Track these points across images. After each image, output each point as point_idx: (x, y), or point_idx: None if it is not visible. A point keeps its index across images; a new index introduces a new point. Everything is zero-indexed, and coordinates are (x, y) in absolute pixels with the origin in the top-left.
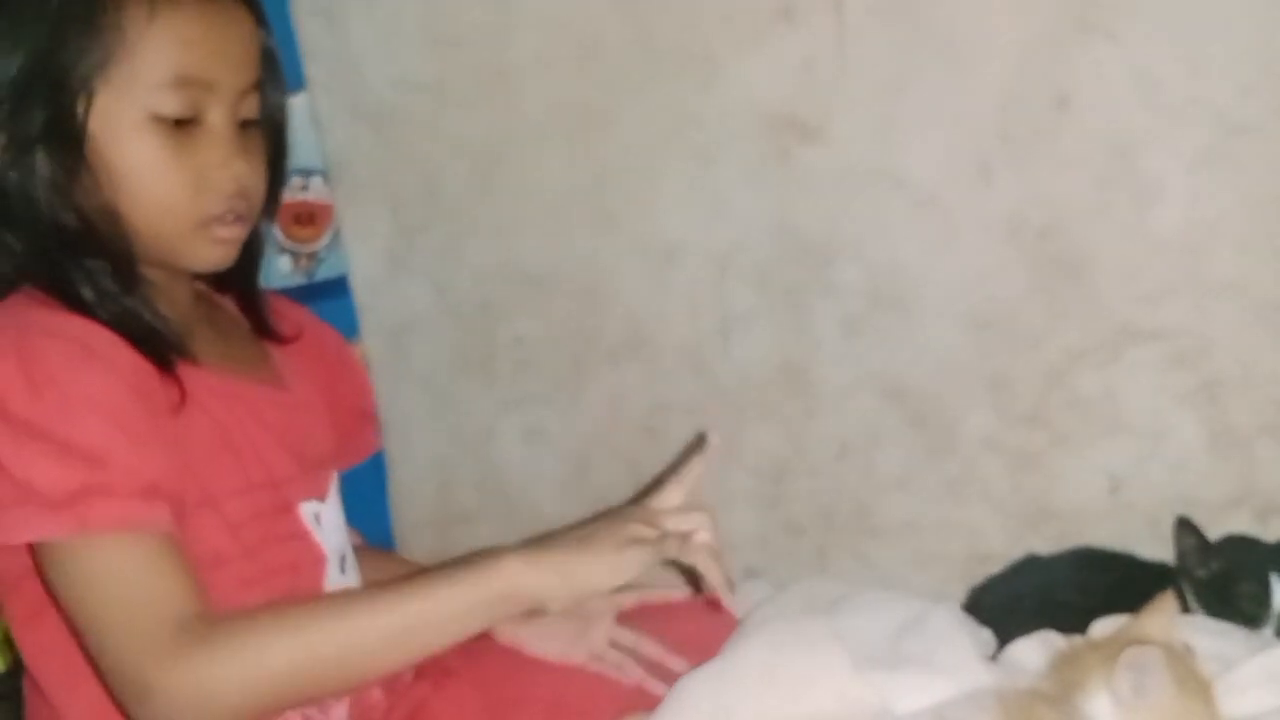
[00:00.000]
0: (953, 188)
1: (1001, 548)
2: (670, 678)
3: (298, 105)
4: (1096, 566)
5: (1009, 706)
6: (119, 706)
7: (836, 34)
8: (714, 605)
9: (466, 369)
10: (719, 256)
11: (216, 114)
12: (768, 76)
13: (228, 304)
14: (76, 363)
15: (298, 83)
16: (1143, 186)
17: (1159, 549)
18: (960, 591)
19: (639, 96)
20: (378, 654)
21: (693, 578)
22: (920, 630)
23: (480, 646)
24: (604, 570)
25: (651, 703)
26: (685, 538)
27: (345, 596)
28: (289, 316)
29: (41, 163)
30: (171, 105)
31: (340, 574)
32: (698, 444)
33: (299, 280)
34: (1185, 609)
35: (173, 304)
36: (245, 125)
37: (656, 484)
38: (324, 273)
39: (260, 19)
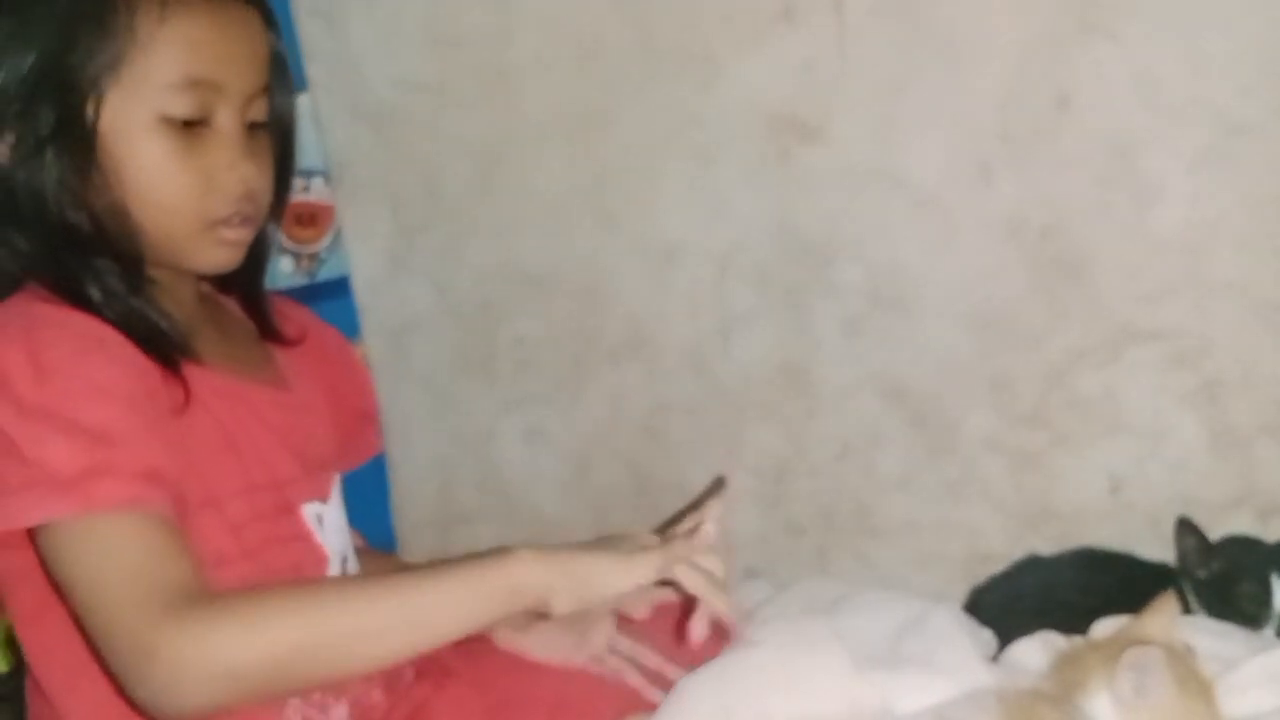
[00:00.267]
0: (953, 188)
1: (1002, 548)
2: (669, 686)
3: (298, 106)
4: (1097, 567)
5: (1009, 706)
6: (120, 685)
7: (836, 34)
8: (721, 631)
9: (467, 369)
10: (719, 256)
11: (225, 116)
12: (768, 77)
13: (231, 305)
14: (84, 352)
15: (298, 83)
16: (1143, 186)
17: (1159, 549)
18: (961, 591)
19: (639, 96)
20: (382, 638)
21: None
22: (921, 630)
23: (481, 648)
24: (613, 575)
25: (652, 705)
26: (693, 551)
27: (353, 580)
28: (292, 318)
29: (51, 162)
30: (181, 106)
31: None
32: (717, 486)
33: (300, 281)
34: (1186, 609)
35: (177, 304)
36: (253, 128)
37: (674, 522)
38: (325, 273)
39: (270, 22)
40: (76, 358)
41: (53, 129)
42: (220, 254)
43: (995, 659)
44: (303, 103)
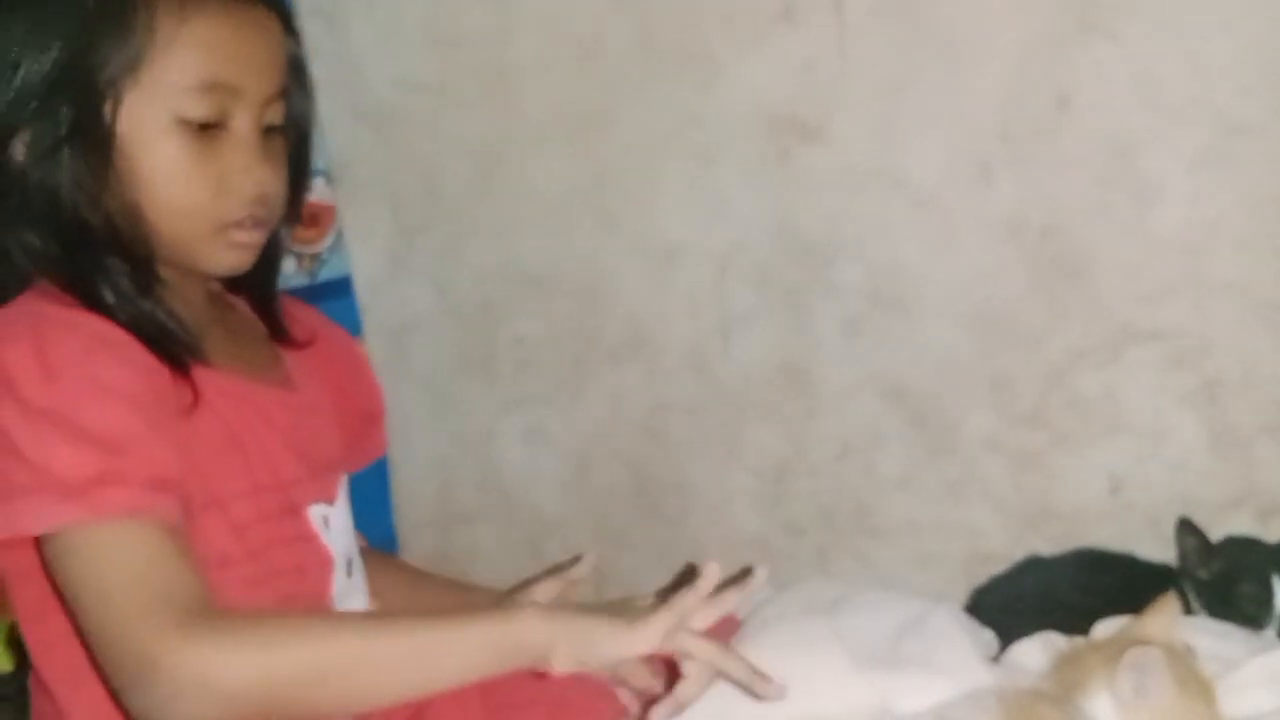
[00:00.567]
0: (953, 188)
1: (1002, 548)
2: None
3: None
4: (1098, 567)
5: (1010, 707)
6: (116, 694)
7: (836, 34)
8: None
9: (467, 369)
10: (719, 256)
11: (241, 119)
12: (768, 77)
13: (240, 305)
14: (92, 353)
15: None
16: (1143, 186)
17: (1160, 549)
18: (961, 592)
19: (639, 97)
20: (382, 678)
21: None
22: (921, 630)
23: None
24: (616, 639)
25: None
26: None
27: (361, 616)
28: (302, 320)
29: (67, 161)
30: (198, 109)
31: (347, 577)
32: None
33: (302, 281)
34: (1187, 610)
35: (186, 304)
36: (269, 131)
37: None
38: (326, 273)
39: (289, 27)
40: (84, 358)
41: (70, 128)
42: (232, 256)
43: (997, 659)
44: None
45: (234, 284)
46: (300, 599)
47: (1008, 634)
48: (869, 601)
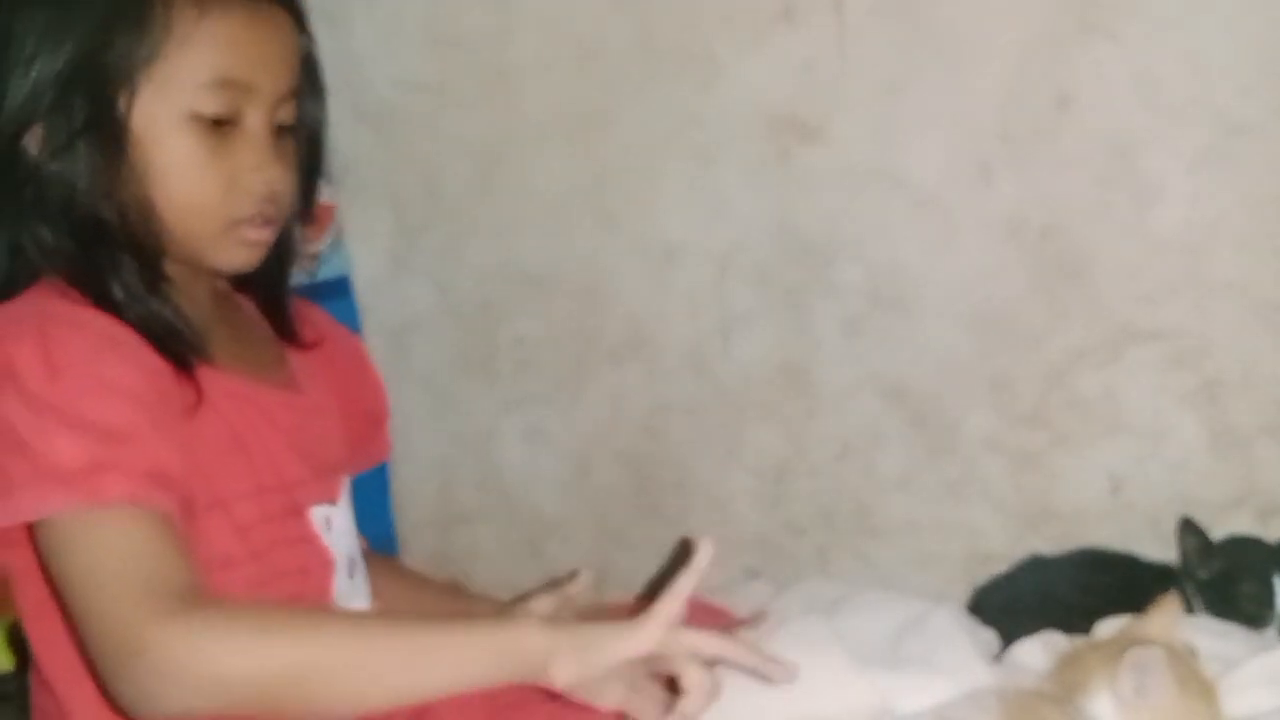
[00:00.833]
0: (953, 188)
1: (1002, 548)
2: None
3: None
4: (1099, 567)
5: (1010, 707)
6: (103, 681)
7: (836, 34)
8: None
9: (467, 369)
10: (719, 256)
11: (254, 117)
12: (768, 77)
13: (247, 304)
14: (97, 350)
15: None
16: (1143, 186)
17: (1160, 549)
18: (961, 592)
19: (639, 96)
20: (375, 680)
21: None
22: (921, 630)
23: None
24: (617, 641)
25: None
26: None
27: (357, 615)
28: (309, 320)
29: (82, 155)
30: (211, 105)
31: (349, 579)
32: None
33: (301, 280)
34: (1188, 609)
35: (192, 302)
36: (281, 131)
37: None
38: (326, 273)
39: (304, 27)
40: (89, 356)
41: (85, 123)
42: (240, 254)
43: (998, 659)
44: None
45: (244, 283)
46: (303, 600)
47: (1009, 634)
48: (869, 601)
